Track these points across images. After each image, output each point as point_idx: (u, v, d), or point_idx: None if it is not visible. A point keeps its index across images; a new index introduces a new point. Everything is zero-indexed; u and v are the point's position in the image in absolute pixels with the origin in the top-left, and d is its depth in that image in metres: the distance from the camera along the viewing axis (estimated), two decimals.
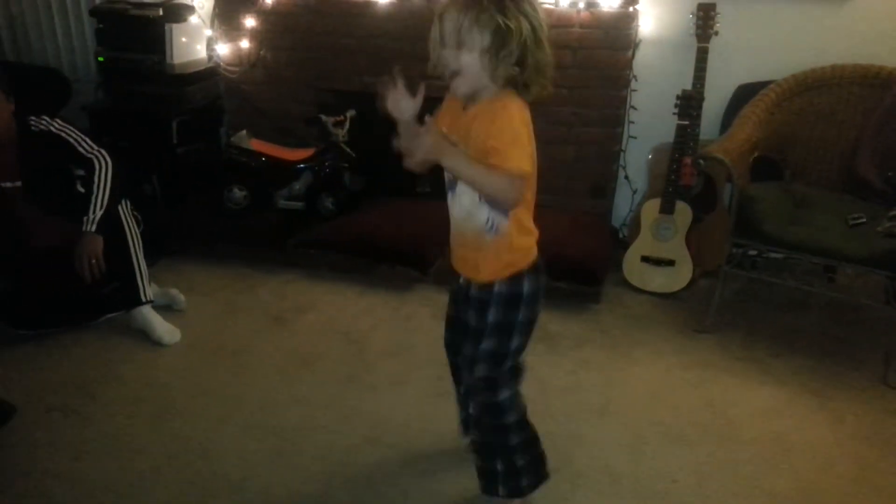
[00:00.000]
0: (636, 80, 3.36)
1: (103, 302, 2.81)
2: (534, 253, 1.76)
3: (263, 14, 3.70)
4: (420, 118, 1.57)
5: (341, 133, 3.46)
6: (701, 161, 3.01)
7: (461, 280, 1.85)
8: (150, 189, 3.65)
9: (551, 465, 1.98)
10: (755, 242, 2.78)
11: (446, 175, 1.72)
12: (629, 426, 2.37)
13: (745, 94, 3.13)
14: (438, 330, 2.83)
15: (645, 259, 3.19)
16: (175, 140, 3.63)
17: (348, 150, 3.48)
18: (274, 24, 3.71)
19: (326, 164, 3.50)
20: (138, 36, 3.57)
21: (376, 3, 3.47)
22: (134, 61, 3.62)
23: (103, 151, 2.67)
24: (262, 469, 2.15)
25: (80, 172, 2.71)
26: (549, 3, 3.24)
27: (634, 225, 3.30)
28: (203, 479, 2.12)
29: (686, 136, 3.04)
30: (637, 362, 2.72)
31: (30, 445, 2.24)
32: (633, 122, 3.44)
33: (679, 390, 2.56)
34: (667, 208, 3.10)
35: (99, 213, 2.58)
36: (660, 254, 3.16)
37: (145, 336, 2.77)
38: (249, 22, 3.72)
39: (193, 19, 3.68)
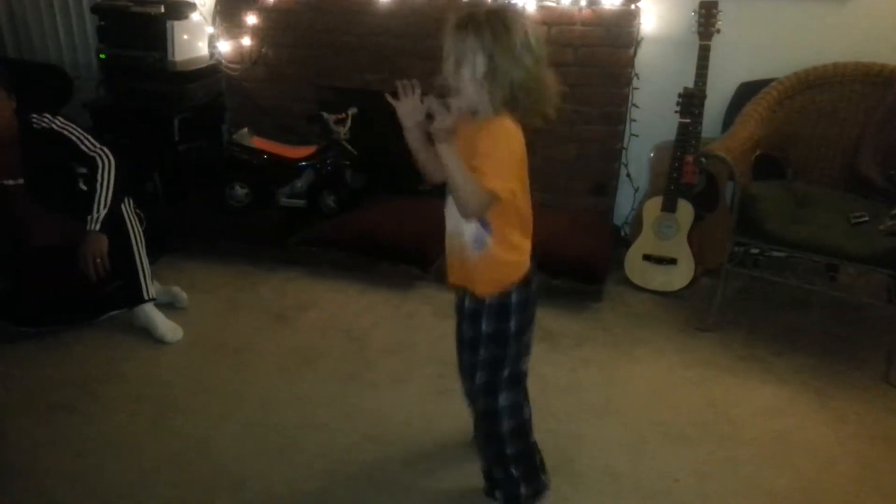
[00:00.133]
0: (638, 77, 3.35)
1: (105, 300, 2.80)
2: (524, 268, 1.77)
3: (265, 11, 3.70)
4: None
5: (343, 130, 3.46)
6: (703, 159, 3.00)
7: (458, 292, 1.89)
8: (152, 186, 3.65)
9: (551, 466, 1.98)
10: (757, 241, 2.78)
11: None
12: (630, 425, 2.37)
13: (746, 91, 3.13)
14: (440, 328, 2.86)
15: (647, 257, 3.19)
16: (177, 137, 3.63)
17: (350, 147, 3.48)
18: (275, 22, 3.71)
19: (328, 161, 3.50)
20: (140, 33, 3.57)
21: (377, 0, 3.47)
22: (135, 58, 3.62)
23: (106, 149, 2.67)
24: (264, 467, 2.16)
25: (83, 170, 2.71)
26: (551, 1, 3.23)
27: (636, 223, 3.29)
28: (204, 476, 2.12)
29: (688, 135, 3.04)
30: (638, 361, 2.72)
31: (31, 443, 2.25)
32: (634, 120, 3.43)
33: (680, 389, 2.56)
34: (669, 206, 3.10)
35: (103, 212, 2.59)
36: (661, 252, 3.16)
37: (147, 334, 2.78)
38: (251, 19, 3.71)
39: (195, 16, 3.68)
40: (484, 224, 1.70)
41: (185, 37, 3.61)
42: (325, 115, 3.46)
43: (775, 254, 2.93)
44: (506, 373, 1.82)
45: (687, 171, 3.07)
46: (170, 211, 3.60)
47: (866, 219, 2.64)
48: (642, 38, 3.30)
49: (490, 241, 1.71)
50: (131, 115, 3.65)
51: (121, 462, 2.17)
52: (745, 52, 3.20)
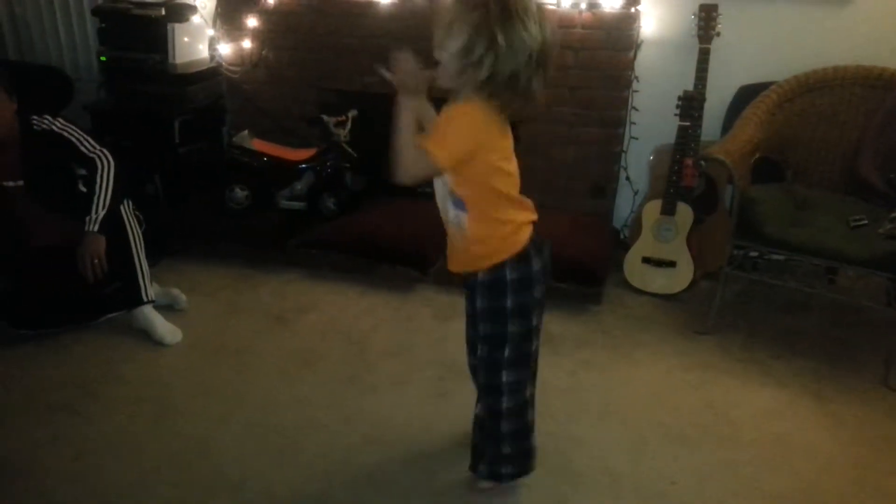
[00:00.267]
0: (638, 80, 3.36)
1: (104, 302, 2.81)
2: (517, 243, 1.77)
3: (265, 14, 3.70)
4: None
5: (343, 133, 3.47)
6: (702, 162, 3.01)
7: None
8: (153, 189, 3.65)
9: (551, 467, 1.98)
10: (756, 244, 2.78)
11: None
12: (630, 427, 2.37)
13: (746, 95, 3.13)
14: (439, 330, 2.87)
15: (646, 260, 3.19)
16: (177, 140, 3.63)
17: (350, 150, 3.48)
18: (276, 24, 3.71)
19: (328, 164, 3.51)
20: (140, 35, 3.57)
21: (378, 2, 3.47)
22: (136, 61, 3.62)
23: (105, 151, 2.67)
24: (263, 468, 2.16)
25: (82, 172, 2.71)
26: (552, 4, 3.24)
27: (635, 226, 3.30)
28: (204, 478, 2.12)
29: (687, 137, 3.04)
30: (638, 363, 2.72)
31: (31, 444, 2.25)
32: (634, 123, 3.44)
33: (680, 392, 2.56)
34: (668, 209, 3.10)
35: (101, 213, 2.59)
36: (661, 255, 3.16)
37: (147, 336, 2.78)
38: (251, 22, 3.72)
39: (196, 19, 3.68)
40: (458, 203, 1.73)
41: (186, 39, 3.61)
42: (326, 117, 3.46)
43: (774, 257, 2.93)
44: (507, 351, 1.83)
45: (686, 174, 3.07)
46: (170, 213, 3.60)
47: (866, 222, 2.65)
48: (642, 41, 3.30)
49: (465, 218, 1.74)
50: (132, 118, 3.65)
51: (120, 463, 2.17)
52: (745, 55, 3.20)
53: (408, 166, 1.60)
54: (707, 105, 3.08)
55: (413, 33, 3.38)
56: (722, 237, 2.99)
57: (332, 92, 3.75)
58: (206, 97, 3.79)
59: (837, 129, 3.02)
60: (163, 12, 3.52)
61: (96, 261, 2.55)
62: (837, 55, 3.03)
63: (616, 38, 3.25)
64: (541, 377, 2.19)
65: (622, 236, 3.56)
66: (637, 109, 3.41)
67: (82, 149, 2.65)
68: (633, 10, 3.20)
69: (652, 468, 2.19)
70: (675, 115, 3.05)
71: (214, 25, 3.80)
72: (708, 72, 3.04)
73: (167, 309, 2.94)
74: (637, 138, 3.45)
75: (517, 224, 1.78)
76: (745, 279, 3.10)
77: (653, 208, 3.15)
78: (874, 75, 2.94)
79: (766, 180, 2.97)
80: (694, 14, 3.06)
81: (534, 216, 1.82)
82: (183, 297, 3.01)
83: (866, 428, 2.39)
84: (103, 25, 3.68)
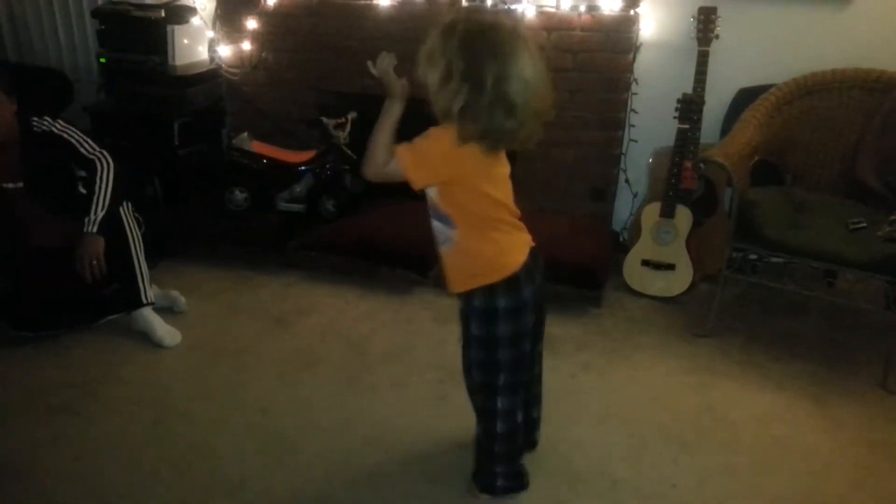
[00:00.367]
0: (637, 83, 3.36)
1: (104, 303, 2.81)
2: (507, 267, 1.78)
3: (265, 16, 3.70)
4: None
5: (342, 135, 3.47)
6: (701, 165, 3.01)
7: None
8: (152, 190, 3.65)
9: (550, 471, 1.99)
10: (755, 247, 2.78)
11: None
12: (629, 430, 2.37)
13: (745, 97, 3.13)
14: (439, 333, 2.87)
15: (645, 263, 3.20)
16: (177, 142, 3.63)
17: (349, 152, 3.48)
18: (275, 26, 3.72)
19: (327, 166, 3.51)
20: (140, 37, 3.57)
21: (378, 5, 3.48)
22: (136, 62, 3.62)
23: (105, 152, 2.67)
24: (263, 470, 2.16)
25: (82, 173, 2.71)
26: (551, 7, 3.24)
27: (635, 228, 3.30)
28: (203, 479, 2.12)
29: (686, 140, 3.05)
30: (637, 366, 2.73)
31: (31, 445, 2.25)
32: (633, 126, 3.44)
33: (679, 394, 2.57)
34: (667, 212, 3.11)
35: (100, 214, 2.59)
36: (660, 258, 3.17)
37: (146, 338, 2.78)
38: (251, 24, 3.72)
39: (195, 21, 3.68)
40: (442, 218, 1.77)
41: (186, 41, 3.62)
42: (325, 119, 3.46)
43: (773, 260, 2.93)
44: (502, 378, 1.86)
45: (685, 177, 3.07)
46: (169, 215, 3.60)
47: (865, 225, 2.65)
48: (641, 44, 3.31)
49: (455, 236, 1.77)
50: (131, 119, 3.66)
51: (120, 464, 2.17)
52: (744, 57, 3.20)
53: (377, 165, 1.68)
54: (706, 108, 3.08)
55: (412, 35, 3.36)
56: (721, 240, 2.99)
57: (331, 94, 3.75)
58: (206, 99, 3.79)
59: (836, 132, 3.02)
60: (162, 14, 3.52)
61: (95, 262, 2.55)
62: (836, 58, 3.03)
63: (615, 40, 3.25)
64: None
65: (621, 239, 3.57)
66: (636, 112, 3.41)
67: (82, 150, 2.65)
68: (632, 12, 3.21)
69: (651, 471, 2.20)
70: (675, 117, 3.05)
71: (214, 27, 3.80)
72: (707, 74, 3.04)
73: (167, 311, 2.94)
74: (636, 141, 3.45)
75: (502, 247, 1.79)
76: (744, 282, 3.10)
77: (652, 211, 3.15)
78: (872, 78, 2.95)
79: (765, 183, 2.97)
80: (693, 17, 3.06)
81: (526, 238, 1.83)
82: (182, 299, 3.01)
83: (865, 431, 2.40)
84: (103, 27, 3.69)
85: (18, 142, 2.61)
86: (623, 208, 3.58)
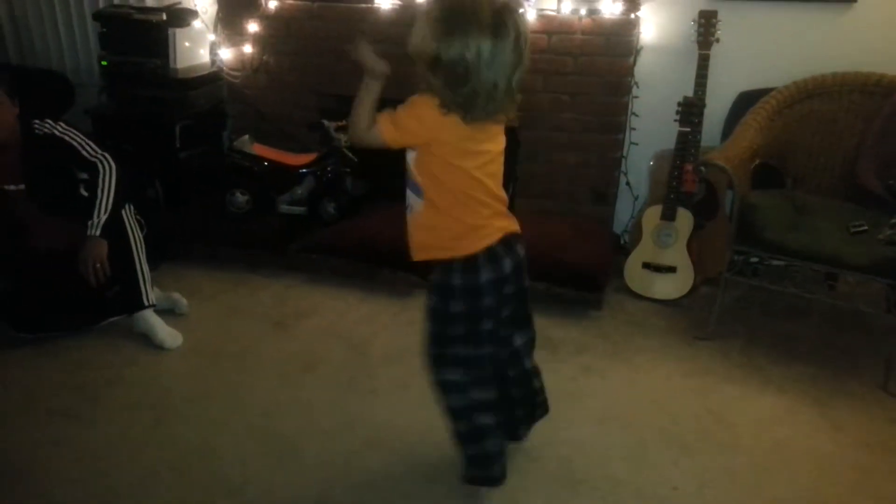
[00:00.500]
0: (637, 86, 3.37)
1: (105, 305, 2.81)
2: (466, 247, 1.80)
3: (266, 19, 3.71)
4: None
5: (343, 138, 3.47)
6: (702, 168, 3.01)
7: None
8: (153, 193, 3.65)
9: (551, 473, 1.98)
10: (756, 249, 2.79)
11: None
12: (630, 432, 2.37)
13: (746, 101, 3.14)
14: None
15: (646, 266, 3.20)
16: (178, 144, 3.64)
17: (350, 154, 3.48)
18: (277, 30, 3.72)
19: (328, 168, 3.51)
20: (142, 40, 3.58)
21: (379, 8, 3.48)
22: (137, 65, 3.63)
23: (107, 155, 2.68)
24: (263, 472, 2.16)
25: (84, 176, 2.71)
26: (552, 10, 3.25)
27: (636, 231, 3.30)
28: (204, 481, 2.12)
29: (687, 143, 3.05)
30: (638, 369, 2.73)
31: (31, 447, 2.25)
32: (634, 129, 3.45)
33: (680, 397, 2.56)
34: (668, 215, 3.11)
35: (103, 217, 2.59)
36: (661, 260, 3.17)
37: (147, 340, 2.78)
38: (252, 27, 3.73)
39: (197, 24, 3.69)
40: (414, 187, 1.80)
41: (187, 44, 3.63)
42: (326, 122, 3.47)
43: (774, 262, 2.93)
44: (452, 350, 1.88)
45: (686, 180, 3.07)
46: (171, 217, 3.60)
47: (865, 228, 2.65)
48: (642, 47, 3.31)
49: (418, 204, 1.80)
50: (133, 122, 3.66)
51: (121, 466, 2.17)
52: (745, 61, 3.21)
53: (361, 129, 1.74)
54: (707, 111, 3.09)
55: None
56: (722, 243, 3.00)
57: (332, 97, 3.75)
58: (207, 102, 3.80)
59: (837, 135, 3.03)
60: (164, 17, 3.53)
61: (98, 265, 2.56)
62: (837, 61, 3.04)
63: (616, 43, 3.26)
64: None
65: (622, 242, 3.57)
66: (637, 115, 3.42)
67: (84, 153, 2.65)
68: (632, 16, 3.21)
69: (652, 474, 2.19)
70: (675, 120, 3.06)
71: (215, 30, 3.81)
72: (708, 78, 3.05)
73: (168, 313, 2.95)
74: (637, 144, 3.45)
75: (469, 226, 1.79)
76: (745, 285, 3.10)
77: (653, 214, 3.15)
78: (873, 81, 2.95)
79: (765, 186, 2.98)
80: (693, 20, 3.07)
81: (502, 224, 1.83)
82: (183, 301, 3.01)
83: (865, 433, 2.39)
84: (104, 30, 3.70)
85: (20, 144, 2.61)
86: (624, 211, 3.58)
